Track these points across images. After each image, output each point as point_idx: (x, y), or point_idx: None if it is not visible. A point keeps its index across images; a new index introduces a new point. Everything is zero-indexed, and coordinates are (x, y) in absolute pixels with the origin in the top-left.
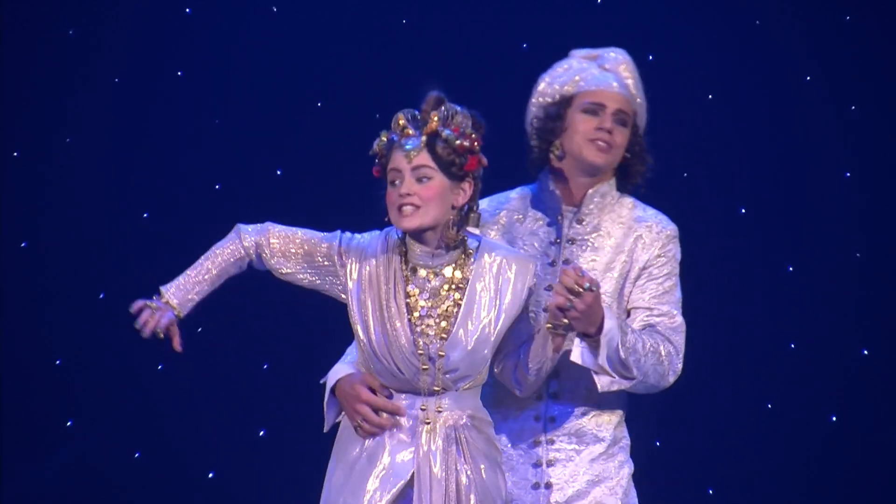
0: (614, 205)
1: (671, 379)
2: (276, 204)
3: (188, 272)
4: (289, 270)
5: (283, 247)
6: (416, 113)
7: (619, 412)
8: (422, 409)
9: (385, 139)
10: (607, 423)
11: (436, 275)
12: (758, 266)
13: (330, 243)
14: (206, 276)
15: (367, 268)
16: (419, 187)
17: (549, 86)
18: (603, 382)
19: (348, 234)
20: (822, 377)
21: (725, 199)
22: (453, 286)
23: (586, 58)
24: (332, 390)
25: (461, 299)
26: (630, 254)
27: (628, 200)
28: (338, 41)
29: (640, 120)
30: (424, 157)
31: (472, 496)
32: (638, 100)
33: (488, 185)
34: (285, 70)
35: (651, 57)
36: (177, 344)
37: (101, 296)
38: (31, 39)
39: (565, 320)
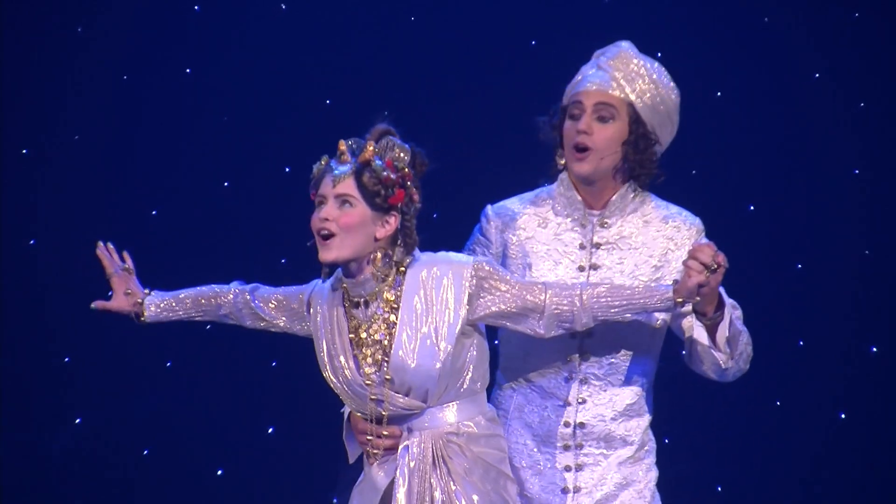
0: (637, 205)
1: (749, 364)
2: (285, 202)
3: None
4: (267, 318)
5: (267, 298)
6: (362, 142)
7: (647, 417)
8: (408, 429)
9: (324, 164)
10: (636, 428)
11: (371, 301)
12: (766, 263)
13: (303, 292)
14: (188, 294)
15: (322, 310)
16: (339, 213)
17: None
18: (723, 358)
19: (319, 281)
20: (830, 374)
21: (734, 196)
22: (387, 308)
23: (596, 56)
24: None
25: (396, 320)
26: (663, 258)
27: (650, 198)
28: (346, 39)
29: (645, 112)
30: (349, 185)
31: None
32: (636, 89)
33: (505, 182)
34: (294, 67)
35: (659, 54)
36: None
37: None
38: (40, 37)
39: (697, 297)
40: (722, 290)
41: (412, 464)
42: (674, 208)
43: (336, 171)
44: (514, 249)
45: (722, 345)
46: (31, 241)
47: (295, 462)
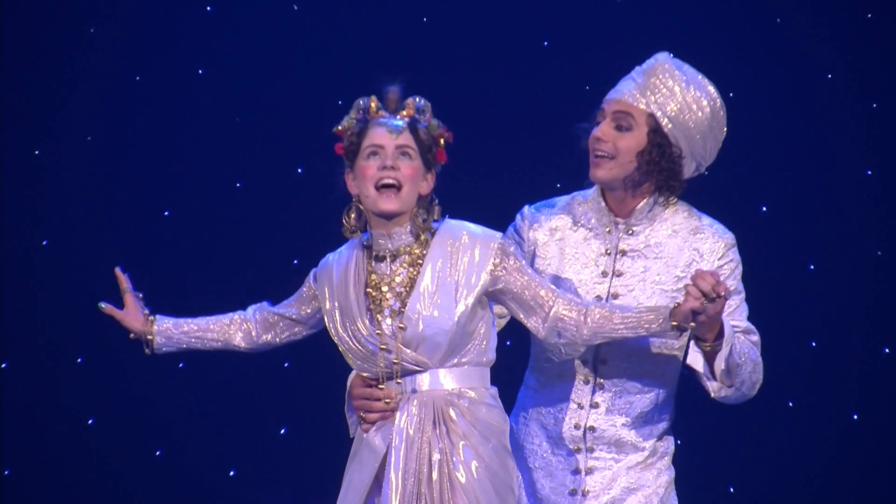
0: (666, 214)
1: (757, 390)
2: (297, 202)
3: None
4: (292, 314)
5: (279, 313)
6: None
7: (663, 424)
8: (397, 383)
9: (354, 119)
10: (648, 434)
11: (397, 256)
12: (779, 264)
13: (308, 284)
14: (197, 323)
15: (335, 278)
16: (402, 163)
17: None
18: (715, 387)
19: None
20: (843, 375)
21: (747, 197)
22: (411, 262)
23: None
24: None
25: (417, 273)
26: (687, 267)
27: (683, 208)
28: (358, 39)
29: (669, 124)
30: (408, 137)
31: (443, 476)
32: (661, 101)
33: (515, 181)
34: (306, 68)
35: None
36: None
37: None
38: (53, 38)
39: (693, 324)
40: (727, 320)
41: (411, 428)
42: (706, 220)
43: (392, 123)
44: (543, 249)
45: (718, 374)
46: (44, 242)
47: (307, 463)
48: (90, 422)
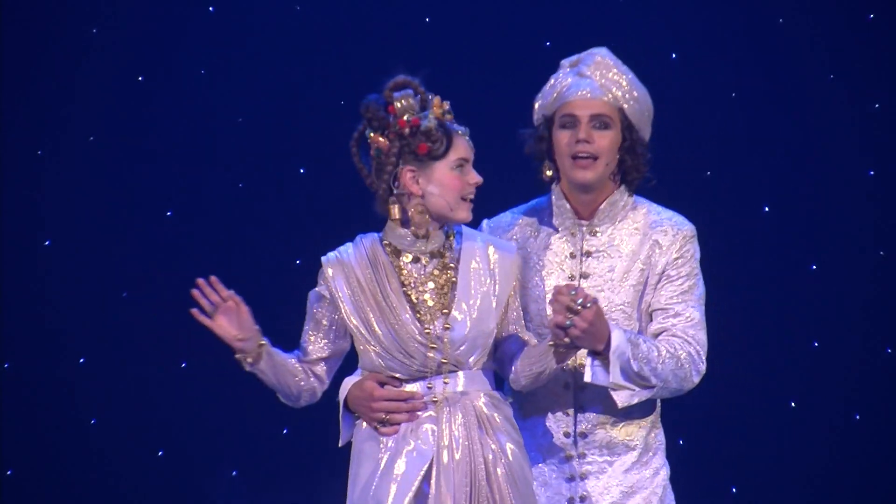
0: (628, 211)
1: (696, 379)
2: (300, 203)
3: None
4: (335, 363)
5: (306, 345)
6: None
7: (650, 418)
8: (428, 388)
9: (434, 118)
10: (637, 431)
11: (425, 256)
12: (781, 264)
13: (318, 295)
14: (287, 358)
15: (354, 277)
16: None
17: (538, 108)
18: (621, 398)
19: (322, 274)
20: (845, 376)
21: (749, 197)
22: (444, 265)
23: (570, 66)
24: (346, 403)
25: (455, 276)
26: (647, 261)
27: (643, 205)
28: (361, 39)
29: (633, 116)
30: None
31: (500, 470)
32: (623, 95)
33: (517, 182)
34: (308, 68)
35: (674, 55)
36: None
37: (125, 294)
38: (55, 38)
39: (566, 339)
40: (613, 325)
41: (458, 430)
42: (665, 213)
43: (466, 135)
44: None
45: (615, 384)
46: (47, 242)
47: (310, 463)
48: (92, 422)
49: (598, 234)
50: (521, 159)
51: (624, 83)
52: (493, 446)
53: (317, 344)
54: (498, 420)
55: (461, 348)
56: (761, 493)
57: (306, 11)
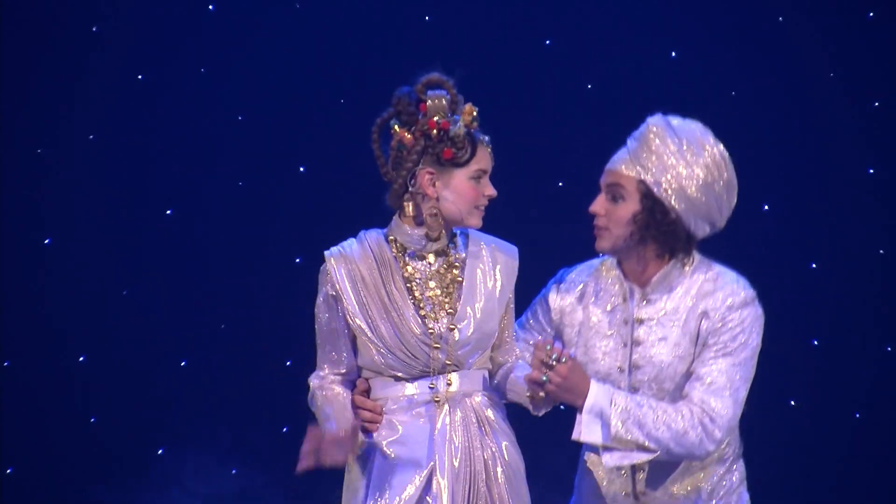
0: (683, 280)
1: (710, 447)
2: (300, 201)
3: (324, 408)
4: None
5: (337, 361)
6: (448, 94)
7: (714, 468)
8: (430, 388)
9: (463, 132)
10: (702, 484)
11: (430, 256)
12: (781, 263)
13: (325, 299)
14: (337, 398)
15: (358, 273)
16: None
17: None
18: (612, 458)
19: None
20: (845, 374)
21: (748, 195)
22: (450, 264)
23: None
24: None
25: (461, 276)
26: (696, 331)
27: (701, 270)
28: (361, 38)
29: (656, 187)
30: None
31: (499, 469)
32: (654, 168)
33: (518, 182)
34: (308, 67)
35: (674, 54)
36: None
37: (125, 292)
38: (55, 36)
39: (542, 394)
40: (598, 385)
41: (458, 431)
42: (722, 280)
43: (489, 146)
44: (570, 317)
45: (591, 443)
46: (46, 241)
47: None
48: (92, 420)
49: (653, 302)
50: (521, 157)
51: (663, 154)
52: (492, 447)
53: (346, 352)
54: (495, 419)
55: (465, 349)
56: (762, 492)
57: (306, 9)
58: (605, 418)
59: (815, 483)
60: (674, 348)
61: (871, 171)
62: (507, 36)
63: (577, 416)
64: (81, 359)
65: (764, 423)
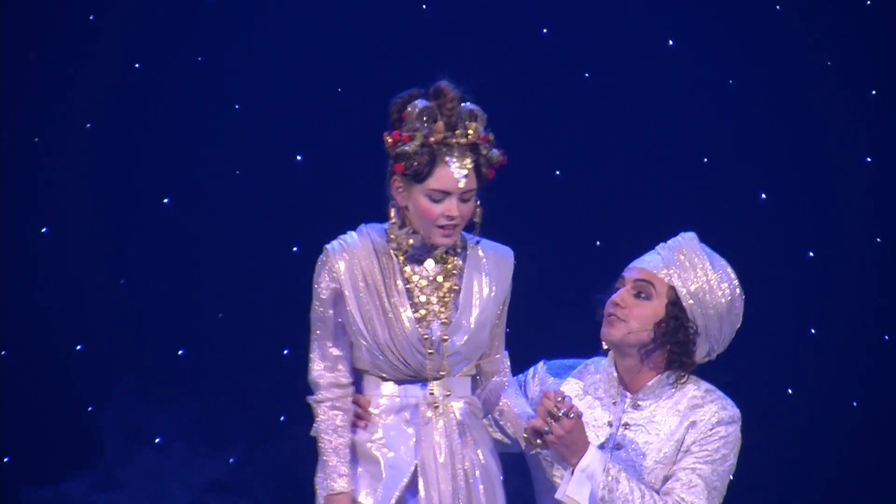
0: (673, 393)
1: None
2: (297, 190)
3: (327, 460)
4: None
5: (332, 365)
6: (430, 106)
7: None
8: (430, 394)
9: (419, 142)
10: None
11: (431, 262)
12: (778, 251)
13: (326, 300)
14: (340, 449)
15: (360, 269)
16: (463, 207)
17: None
18: None
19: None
20: (843, 363)
21: (746, 184)
22: (449, 273)
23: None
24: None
25: (458, 285)
26: (681, 440)
27: (690, 386)
28: (358, 27)
29: (689, 301)
30: (472, 181)
31: (478, 472)
32: (684, 276)
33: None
34: (305, 56)
35: (671, 42)
36: None
37: (122, 281)
38: (52, 25)
39: (539, 441)
40: (600, 451)
41: (443, 439)
42: (710, 396)
43: (460, 173)
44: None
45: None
46: (44, 230)
47: (307, 450)
48: (89, 409)
49: (641, 409)
50: (517, 147)
51: (695, 268)
52: (471, 453)
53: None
54: (475, 426)
55: (455, 357)
56: (759, 481)
57: None
58: (595, 482)
59: (812, 471)
60: (656, 454)
61: (869, 159)
62: (503, 25)
63: (565, 474)
64: (79, 347)
65: (761, 411)
